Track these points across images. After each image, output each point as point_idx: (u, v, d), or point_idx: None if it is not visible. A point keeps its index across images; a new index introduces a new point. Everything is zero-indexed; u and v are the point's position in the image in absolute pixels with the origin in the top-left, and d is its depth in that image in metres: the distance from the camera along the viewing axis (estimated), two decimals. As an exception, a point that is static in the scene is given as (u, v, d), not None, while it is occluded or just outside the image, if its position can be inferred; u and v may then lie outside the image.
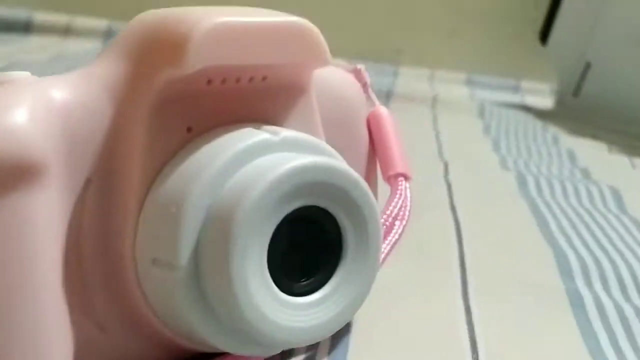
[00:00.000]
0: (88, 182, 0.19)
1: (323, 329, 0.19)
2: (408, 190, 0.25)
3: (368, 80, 0.26)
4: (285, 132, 0.19)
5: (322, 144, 0.20)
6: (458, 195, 0.40)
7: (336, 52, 0.72)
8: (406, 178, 0.25)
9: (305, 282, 0.19)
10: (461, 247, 0.33)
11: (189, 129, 0.19)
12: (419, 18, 0.83)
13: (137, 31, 0.19)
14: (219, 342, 0.18)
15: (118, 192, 0.19)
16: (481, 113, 0.67)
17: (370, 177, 0.25)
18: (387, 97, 0.68)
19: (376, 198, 0.26)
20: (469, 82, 0.81)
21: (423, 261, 0.31)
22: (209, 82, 0.19)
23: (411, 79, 0.78)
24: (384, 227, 0.24)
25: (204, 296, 0.18)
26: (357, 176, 0.19)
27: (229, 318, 0.17)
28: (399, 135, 0.25)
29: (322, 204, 0.18)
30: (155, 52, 0.19)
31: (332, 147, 0.24)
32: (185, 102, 0.19)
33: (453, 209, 0.38)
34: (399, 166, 0.25)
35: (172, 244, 0.18)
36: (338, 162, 0.19)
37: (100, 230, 0.19)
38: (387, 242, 0.24)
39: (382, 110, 0.25)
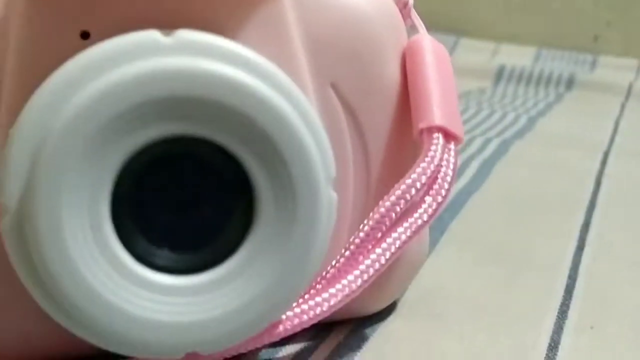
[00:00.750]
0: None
1: (208, 331, 0.12)
2: (451, 153, 0.17)
3: (410, 1, 0.18)
4: (187, 34, 0.13)
5: (257, 57, 0.13)
6: (606, 195, 0.30)
7: (524, 39, 0.62)
8: (447, 135, 0.17)
9: (190, 256, 0.12)
10: (578, 258, 0.24)
11: (85, 35, 0.14)
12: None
13: None
14: (56, 316, 0.13)
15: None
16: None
17: (403, 131, 0.18)
18: (568, 84, 0.58)
19: (411, 162, 0.18)
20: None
21: (517, 270, 0.23)
22: None
23: (611, 70, 0.66)
24: (403, 201, 0.17)
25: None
26: (271, 99, 0.12)
27: (48, 287, 0.12)
28: (448, 78, 0.18)
29: (213, 137, 0.12)
30: None
31: (334, 86, 0.17)
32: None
33: (590, 208, 0.28)
34: (436, 116, 0.17)
35: (3, 181, 0.12)
36: (250, 78, 0.12)
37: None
38: (406, 224, 0.17)
39: (423, 40, 0.18)
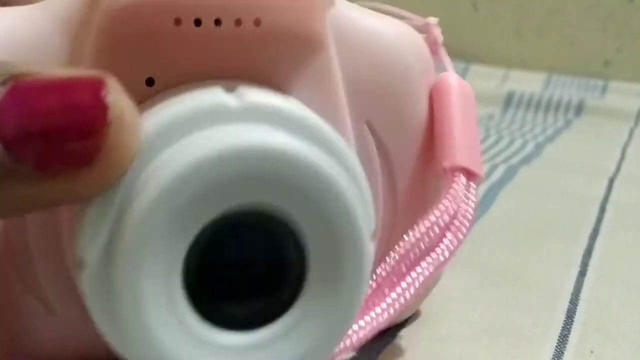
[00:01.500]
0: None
1: None
2: (472, 191, 0.18)
3: (440, 37, 0.19)
4: (252, 96, 0.14)
5: (312, 118, 0.14)
6: (610, 221, 0.31)
7: (534, 64, 0.62)
8: (469, 175, 0.18)
9: (247, 314, 0.14)
10: (579, 283, 0.25)
11: (150, 82, 0.15)
12: (634, 24, 0.71)
13: None
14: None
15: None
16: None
17: (427, 167, 0.19)
18: (577, 110, 0.58)
19: (433, 194, 0.19)
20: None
21: (519, 294, 0.24)
22: (177, 21, 0.15)
23: (621, 96, 0.66)
24: (427, 237, 0.17)
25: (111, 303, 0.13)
26: (330, 174, 0.13)
27: (126, 341, 0.13)
28: (471, 117, 0.19)
29: (276, 208, 0.13)
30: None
31: (369, 124, 0.18)
32: (143, 46, 0.15)
33: (593, 234, 0.29)
34: (459, 157, 0.18)
35: (81, 236, 0.13)
36: (310, 149, 0.13)
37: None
38: (429, 260, 0.17)
39: (450, 79, 0.19)
